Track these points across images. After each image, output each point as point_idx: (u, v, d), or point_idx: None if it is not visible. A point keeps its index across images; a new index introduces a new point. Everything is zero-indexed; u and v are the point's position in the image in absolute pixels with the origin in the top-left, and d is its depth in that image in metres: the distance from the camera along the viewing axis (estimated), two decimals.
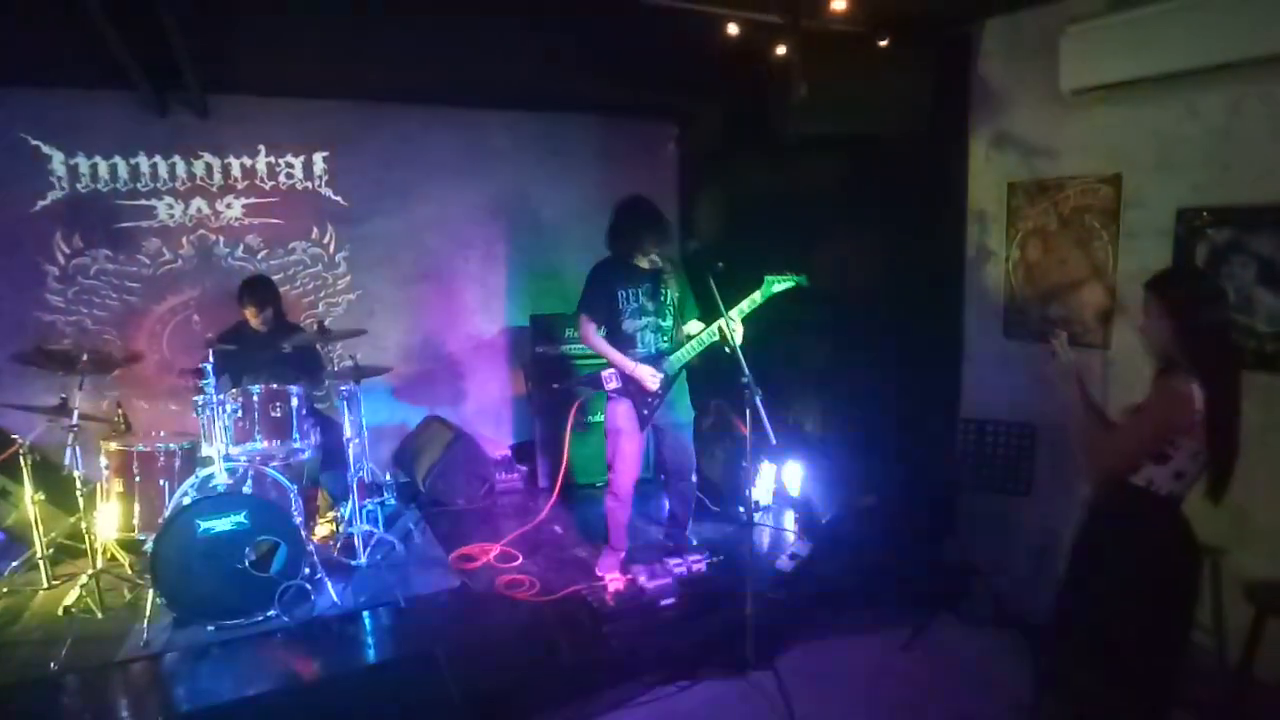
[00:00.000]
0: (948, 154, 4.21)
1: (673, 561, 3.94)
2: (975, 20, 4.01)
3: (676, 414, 4.00)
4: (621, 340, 3.88)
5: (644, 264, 3.88)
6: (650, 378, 3.80)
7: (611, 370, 3.88)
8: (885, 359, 4.48)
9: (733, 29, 3.70)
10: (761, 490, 5.04)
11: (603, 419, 4.07)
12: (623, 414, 3.90)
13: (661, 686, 3.39)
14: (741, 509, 3.65)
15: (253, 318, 4.47)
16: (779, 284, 3.73)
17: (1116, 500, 2.38)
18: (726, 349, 3.51)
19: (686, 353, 3.87)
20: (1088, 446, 2.46)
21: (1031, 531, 3.95)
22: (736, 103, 5.29)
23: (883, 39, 3.84)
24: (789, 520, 4.90)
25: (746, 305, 3.72)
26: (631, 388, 3.86)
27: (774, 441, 3.28)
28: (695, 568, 3.93)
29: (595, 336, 3.88)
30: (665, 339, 3.93)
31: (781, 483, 5.11)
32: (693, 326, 3.95)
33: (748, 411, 3.32)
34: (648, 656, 3.49)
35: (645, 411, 3.89)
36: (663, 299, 3.90)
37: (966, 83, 4.10)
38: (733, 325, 3.59)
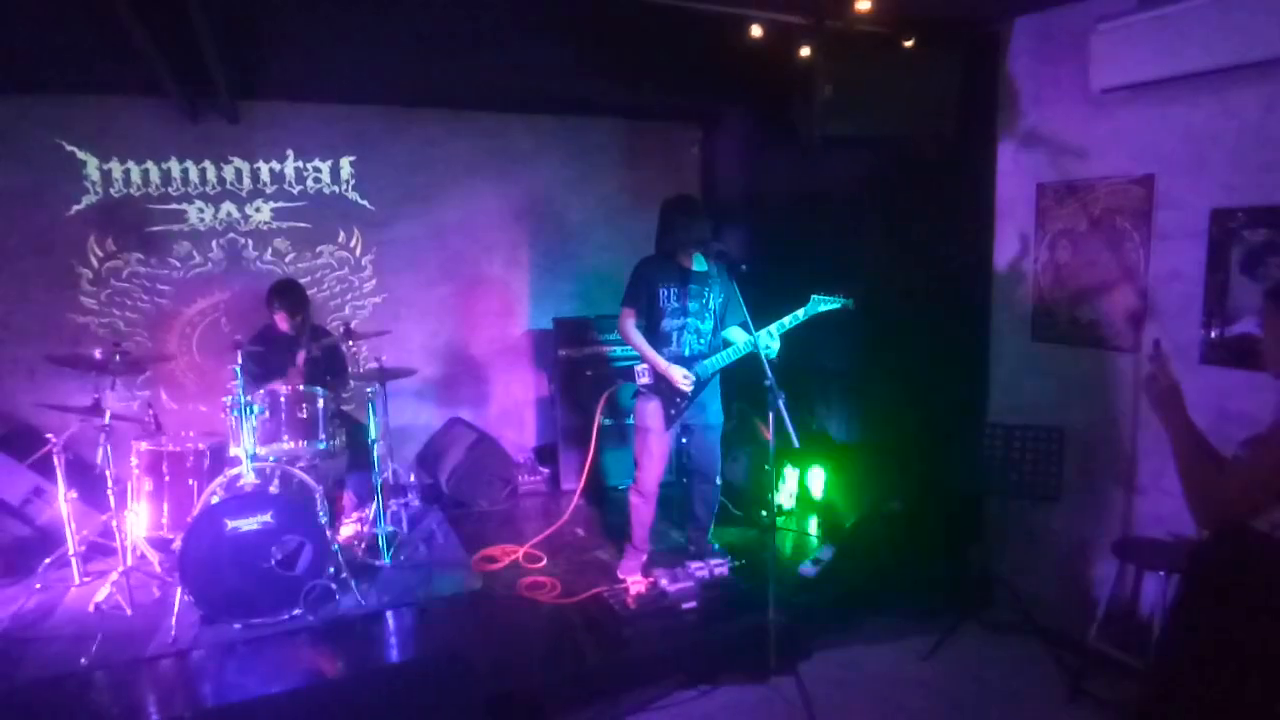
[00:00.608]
0: (975, 155, 4.15)
1: (694, 565, 3.92)
2: (1003, 20, 3.96)
3: (708, 416, 4.00)
4: (658, 338, 3.88)
5: (689, 265, 3.88)
6: (682, 379, 3.80)
7: (644, 366, 3.89)
8: (911, 362, 4.43)
9: (756, 31, 3.69)
10: (784, 494, 5.00)
11: (633, 421, 4.08)
12: (652, 411, 3.90)
13: (682, 690, 3.38)
14: (764, 513, 3.62)
15: (283, 322, 4.52)
16: (825, 304, 3.72)
17: (1232, 548, 2.01)
18: (763, 360, 3.46)
19: (721, 359, 3.86)
20: (1198, 484, 2.04)
21: (1059, 538, 3.89)
22: (761, 105, 5.27)
23: (908, 39, 3.80)
24: (812, 525, 4.86)
25: (788, 321, 3.71)
26: (662, 385, 3.86)
27: (797, 445, 3.26)
28: (717, 571, 3.90)
29: (633, 330, 3.88)
30: (702, 342, 3.92)
31: (805, 487, 5.07)
32: (734, 334, 3.94)
33: (771, 415, 3.29)
34: (669, 660, 3.48)
35: (673, 411, 3.88)
36: (704, 302, 3.90)
37: (994, 83, 4.05)
38: (771, 341, 3.61)
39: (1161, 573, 3.17)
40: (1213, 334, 3.24)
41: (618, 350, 5.46)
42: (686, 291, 3.86)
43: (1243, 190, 3.14)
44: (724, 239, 5.52)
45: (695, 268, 3.89)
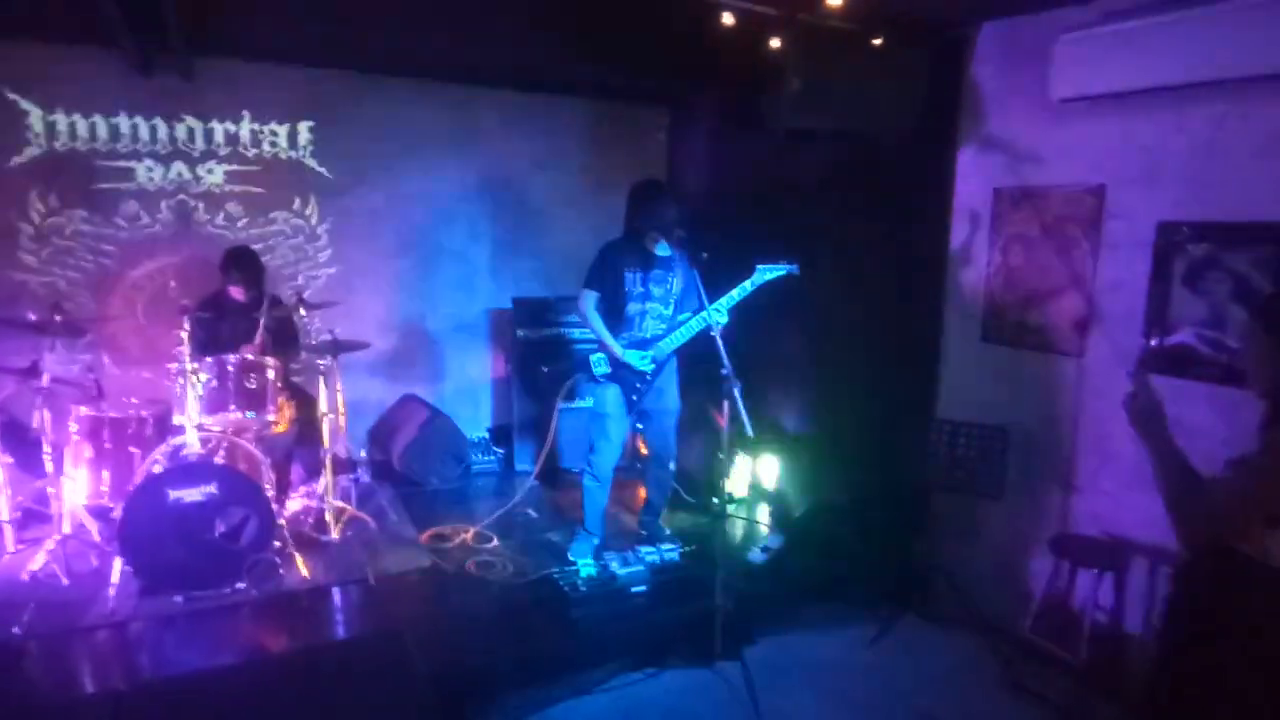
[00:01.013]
0: (936, 156, 4.22)
1: (645, 549, 3.96)
2: (971, 24, 4.02)
3: (665, 401, 4.03)
4: (620, 322, 3.88)
5: (654, 249, 3.88)
6: (639, 361, 3.81)
7: (602, 355, 3.89)
8: (864, 357, 4.51)
9: (728, 19, 3.68)
10: (736, 482, 5.07)
11: (590, 406, 4.08)
12: (611, 399, 3.92)
13: (628, 673, 3.41)
14: (716, 500, 3.67)
15: (239, 292, 4.40)
16: (770, 273, 3.78)
17: (1217, 571, 1.95)
18: (713, 334, 3.49)
19: (675, 339, 3.89)
20: (1179, 502, 1.95)
21: (1000, 534, 4.01)
22: (729, 94, 5.28)
23: (877, 37, 3.84)
24: (762, 513, 4.94)
25: (736, 293, 3.76)
26: (622, 372, 3.87)
27: (751, 434, 3.30)
28: (668, 556, 3.95)
29: (593, 313, 3.88)
30: (662, 326, 3.95)
31: (757, 475, 5.14)
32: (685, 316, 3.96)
33: (726, 403, 3.33)
34: (616, 643, 3.51)
35: (634, 397, 3.90)
36: (668, 287, 3.92)
37: (959, 86, 4.11)
38: (717, 315, 3.63)
39: (1095, 570, 3.30)
40: (1152, 343, 3.36)
41: (577, 332, 5.45)
42: (650, 276, 3.88)
43: (1189, 205, 3.24)
44: (688, 225, 5.54)
45: (659, 252, 3.90)
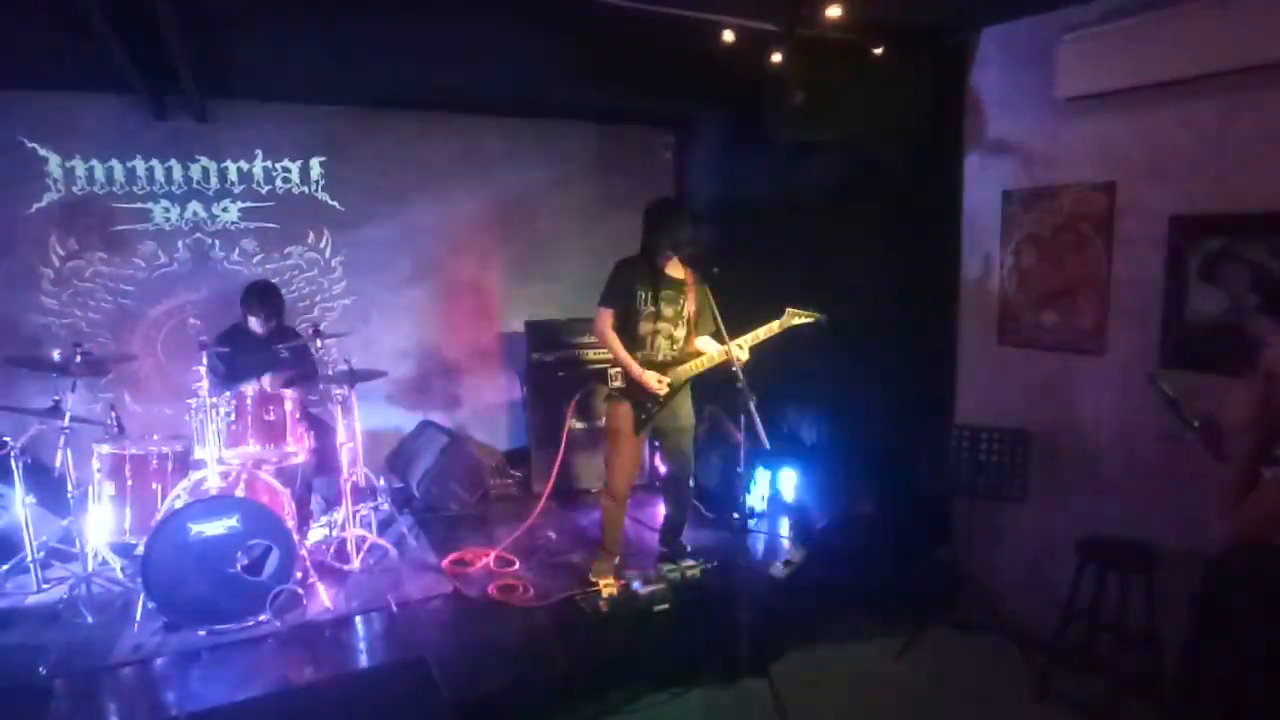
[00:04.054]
0: (943, 161, 4.21)
1: (667, 567, 3.93)
2: (971, 29, 4.03)
3: (679, 419, 4.01)
4: (632, 341, 3.87)
5: (666, 269, 3.88)
6: (655, 383, 3.80)
7: (618, 370, 3.88)
8: (880, 365, 4.48)
9: (729, 36, 3.71)
10: (756, 497, 5.03)
11: (605, 424, 4.08)
12: (623, 415, 3.90)
13: (654, 693, 3.37)
14: (736, 515, 3.64)
15: (258, 326, 4.44)
16: (799, 319, 3.69)
17: (1257, 565, 1.97)
18: (734, 369, 3.47)
19: (692, 368, 3.87)
20: (1236, 502, 2.01)
21: (1026, 539, 3.95)
22: (733, 110, 5.31)
23: (878, 47, 3.85)
24: (784, 527, 4.89)
25: (762, 333, 3.69)
26: (634, 389, 3.86)
27: (768, 447, 3.28)
28: (689, 574, 3.92)
29: (610, 331, 3.86)
30: (675, 348, 3.93)
31: (776, 489, 5.10)
32: (708, 343, 3.92)
33: (742, 417, 3.31)
34: (640, 663, 3.47)
35: (644, 416, 3.88)
36: (679, 308, 3.90)
37: (962, 91, 4.11)
38: (740, 352, 3.60)
39: (1123, 572, 3.23)
40: (1171, 337, 3.32)
41: (590, 353, 5.46)
42: (661, 295, 3.87)
43: (1201, 198, 3.21)
44: (700, 242, 5.54)
45: (671, 273, 3.90)
